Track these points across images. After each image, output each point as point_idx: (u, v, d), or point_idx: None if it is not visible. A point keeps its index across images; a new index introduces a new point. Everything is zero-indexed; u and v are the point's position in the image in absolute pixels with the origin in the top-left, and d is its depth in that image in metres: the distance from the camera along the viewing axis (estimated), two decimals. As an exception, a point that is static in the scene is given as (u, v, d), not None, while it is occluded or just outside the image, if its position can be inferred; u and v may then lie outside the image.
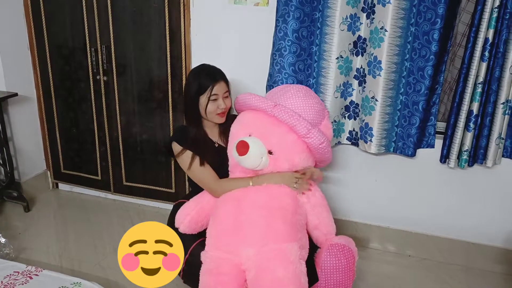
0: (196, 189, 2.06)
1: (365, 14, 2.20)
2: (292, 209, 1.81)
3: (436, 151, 2.38)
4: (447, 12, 2.07)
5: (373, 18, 2.17)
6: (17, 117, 2.96)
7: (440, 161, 2.37)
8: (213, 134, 2.08)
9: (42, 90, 3.02)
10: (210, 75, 1.97)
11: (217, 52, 2.55)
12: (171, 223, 2.11)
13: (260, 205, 1.79)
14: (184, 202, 2.17)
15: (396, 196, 2.57)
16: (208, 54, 2.56)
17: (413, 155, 2.35)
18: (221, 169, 2.00)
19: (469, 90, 2.16)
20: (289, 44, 2.24)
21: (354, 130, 2.44)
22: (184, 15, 2.55)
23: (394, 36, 2.14)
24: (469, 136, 2.23)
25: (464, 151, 2.27)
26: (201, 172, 1.97)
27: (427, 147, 2.39)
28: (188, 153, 1.96)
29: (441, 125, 2.44)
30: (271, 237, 1.70)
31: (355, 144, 2.46)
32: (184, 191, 2.91)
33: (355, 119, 2.43)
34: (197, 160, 1.96)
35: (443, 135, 2.36)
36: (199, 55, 2.60)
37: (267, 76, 2.39)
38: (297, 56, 2.27)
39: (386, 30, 2.13)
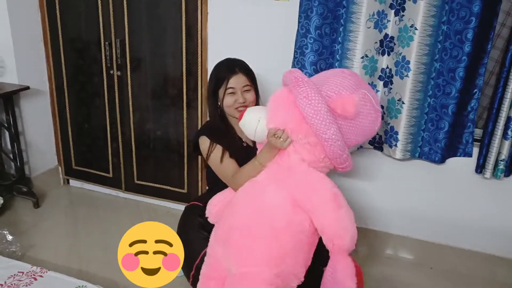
0: (214, 189, 1.96)
1: (393, 11, 2.07)
2: (283, 226, 1.59)
3: (470, 159, 2.25)
4: (485, 10, 1.93)
5: (403, 15, 2.03)
6: (29, 111, 2.91)
7: (476, 171, 2.24)
8: (241, 133, 1.94)
9: (55, 84, 2.96)
10: (229, 67, 1.88)
11: (235, 48, 2.41)
12: (181, 225, 2.06)
13: (250, 219, 1.64)
14: (197, 205, 2.12)
15: (421, 205, 2.44)
16: (225, 50, 2.42)
17: (440, 161, 2.21)
18: None
19: (508, 95, 2.02)
20: (311, 41, 2.13)
21: (377, 133, 2.31)
22: (201, 9, 2.46)
23: (424, 35, 2.01)
24: (507, 144, 2.10)
25: (501, 160, 2.13)
26: (226, 169, 1.87)
27: (464, 156, 2.25)
28: (219, 148, 1.87)
29: (478, 132, 2.29)
30: (245, 259, 1.60)
31: (379, 148, 2.34)
32: (196, 192, 2.83)
33: (379, 122, 2.29)
34: (226, 155, 1.86)
35: (479, 143, 2.23)
36: (215, 51, 2.51)
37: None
38: (318, 55, 2.16)
39: (416, 29, 1.99)
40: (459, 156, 2.25)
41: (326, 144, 1.53)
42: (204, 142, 1.91)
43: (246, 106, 1.87)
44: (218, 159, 1.87)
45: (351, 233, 1.56)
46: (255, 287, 1.56)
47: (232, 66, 1.88)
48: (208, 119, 2.09)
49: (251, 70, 1.93)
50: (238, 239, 1.64)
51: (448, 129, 2.13)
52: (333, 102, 1.53)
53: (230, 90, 1.86)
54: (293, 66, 2.23)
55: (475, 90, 2.13)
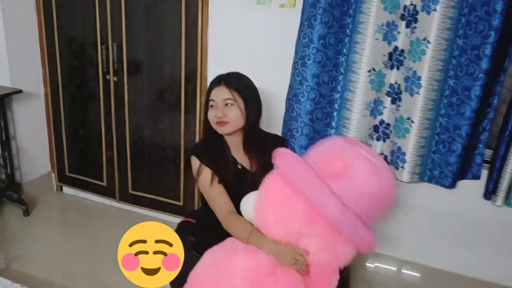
0: (207, 206, 1.82)
1: (404, 22, 1.91)
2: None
3: (478, 183, 2.09)
4: (504, 24, 1.77)
5: (415, 27, 1.88)
6: (21, 115, 2.84)
7: (484, 197, 2.07)
8: (239, 153, 1.83)
9: (50, 87, 2.87)
10: (217, 79, 1.76)
11: (235, 56, 2.34)
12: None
13: None
14: (190, 222, 1.99)
15: (426, 231, 2.31)
16: (226, 57, 2.36)
17: (451, 186, 2.05)
18: (237, 194, 1.73)
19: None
20: (313, 52, 1.99)
21: (382, 153, 2.15)
22: (201, 14, 2.34)
23: (438, 49, 1.86)
24: (522, 170, 1.93)
25: (515, 187, 1.97)
26: (215, 195, 1.74)
27: (472, 178, 2.09)
28: (208, 171, 1.74)
29: (486, 153, 2.13)
30: None
31: (384, 170, 2.18)
32: (192, 205, 2.71)
33: (384, 140, 2.14)
34: (215, 180, 1.73)
35: (488, 165, 2.07)
36: (216, 58, 2.40)
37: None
38: (321, 67, 2.01)
39: (429, 42, 1.84)
40: (467, 178, 2.10)
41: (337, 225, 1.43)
42: (194, 163, 1.79)
43: (225, 122, 1.73)
44: (206, 183, 1.75)
45: None
46: None
47: (219, 78, 1.76)
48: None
49: (241, 85, 1.76)
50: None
51: (461, 152, 1.98)
52: (318, 163, 1.49)
53: (210, 103, 1.74)
54: (293, 78, 2.09)
55: (489, 110, 1.98)
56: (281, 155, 1.57)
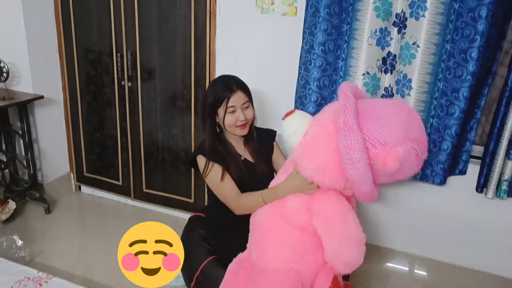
0: (214, 203, 1.97)
1: (396, 29, 2.04)
2: (300, 226, 1.64)
3: (470, 178, 2.20)
4: (492, 30, 1.89)
5: (404, 32, 2.02)
6: (42, 119, 2.98)
7: (476, 190, 2.18)
8: (239, 147, 1.98)
9: (69, 94, 3.04)
10: (226, 86, 1.86)
11: (242, 62, 2.47)
12: (184, 237, 2.08)
13: (270, 218, 1.70)
14: (200, 216, 2.16)
15: (422, 226, 2.42)
16: (233, 63, 2.49)
17: (442, 183, 2.17)
18: (247, 185, 1.88)
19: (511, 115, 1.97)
20: (314, 57, 2.13)
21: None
22: (209, 23, 2.48)
23: (428, 53, 1.99)
24: (510, 164, 2.04)
25: (504, 180, 2.08)
26: (226, 189, 1.87)
27: (458, 174, 2.21)
28: (217, 168, 1.87)
29: (477, 149, 2.25)
30: (263, 254, 1.68)
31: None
32: (202, 202, 2.85)
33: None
34: (226, 175, 1.87)
35: (479, 160, 2.18)
36: (223, 64, 2.53)
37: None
38: (322, 71, 2.15)
39: (418, 46, 1.97)
40: (455, 174, 2.21)
41: (357, 189, 1.51)
42: (201, 161, 1.92)
43: (246, 123, 1.89)
44: (216, 179, 1.88)
45: (348, 259, 1.55)
46: (271, 283, 1.57)
47: (229, 84, 1.87)
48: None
49: (247, 87, 1.92)
50: (258, 236, 1.69)
51: (451, 151, 2.09)
52: (376, 155, 1.43)
53: (231, 109, 1.84)
54: (298, 81, 2.24)
55: (476, 110, 2.09)
56: (343, 95, 1.53)
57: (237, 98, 1.85)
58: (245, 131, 1.91)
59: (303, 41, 2.17)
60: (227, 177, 1.88)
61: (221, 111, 1.86)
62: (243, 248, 1.81)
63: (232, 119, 1.85)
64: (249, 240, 1.80)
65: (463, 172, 2.19)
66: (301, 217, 1.64)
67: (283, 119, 1.68)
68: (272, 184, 1.81)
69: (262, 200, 1.75)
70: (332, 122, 1.53)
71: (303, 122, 1.64)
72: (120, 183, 3.08)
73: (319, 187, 1.63)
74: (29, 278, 2.08)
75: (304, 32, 2.16)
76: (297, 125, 1.64)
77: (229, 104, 1.83)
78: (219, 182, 1.87)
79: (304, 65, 2.19)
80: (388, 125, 1.44)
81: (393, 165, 1.42)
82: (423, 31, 1.95)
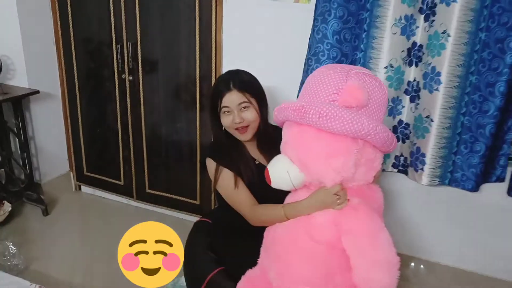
0: (223, 207, 1.80)
1: (423, 16, 1.83)
2: (328, 243, 1.45)
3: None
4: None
5: (433, 20, 1.80)
6: (39, 115, 2.88)
7: (508, 193, 1.98)
8: (254, 149, 1.79)
9: (66, 87, 2.89)
10: (225, 82, 1.68)
11: (251, 53, 2.29)
12: (189, 244, 1.91)
13: (294, 233, 1.50)
14: (205, 222, 1.99)
15: (448, 232, 2.24)
16: (240, 54, 2.32)
17: (474, 189, 1.97)
18: (261, 191, 1.69)
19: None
20: (328, 47, 1.92)
21: (402, 155, 2.08)
22: (216, 11, 2.30)
23: (459, 43, 1.77)
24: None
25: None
26: (241, 197, 1.70)
27: (496, 181, 1.99)
28: (228, 173, 1.70)
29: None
30: (285, 273, 1.49)
31: (403, 172, 2.11)
32: (209, 204, 2.69)
33: (404, 142, 2.07)
34: (239, 182, 1.69)
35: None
36: (230, 55, 2.36)
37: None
38: (337, 63, 1.94)
39: (449, 35, 1.76)
40: (491, 181, 2.00)
41: (372, 138, 1.36)
42: (210, 165, 1.75)
43: (246, 126, 1.69)
44: (228, 186, 1.70)
45: (379, 285, 1.36)
46: None
47: (227, 82, 1.68)
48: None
49: (251, 84, 1.71)
50: (280, 251, 1.51)
51: (484, 153, 1.89)
52: (342, 100, 1.36)
53: (224, 109, 1.67)
54: (306, 75, 2.02)
55: (514, 107, 1.88)
56: (281, 109, 1.49)
57: (231, 98, 1.66)
58: (245, 136, 1.72)
59: (313, 29, 1.96)
60: (241, 184, 1.70)
61: (219, 110, 1.70)
62: (252, 258, 1.63)
63: (227, 120, 1.68)
64: (263, 255, 1.61)
65: (501, 179, 1.98)
66: (328, 232, 1.44)
67: (270, 183, 1.50)
68: (289, 199, 1.61)
69: (284, 215, 1.55)
70: (301, 128, 1.43)
71: (283, 159, 1.48)
72: (121, 182, 2.93)
73: (348, 200, 1.44)
74: (21, 290, 1.94)
75: (315, 19, 1.95)
76: (280, 164, 1.48)
77: (222, 104, 1.67)
78: (233, 189, 1.69)
79: (315, 56, 1.97)
80: (325, 81, 1.42)
81: (361, 95, 1.36)
82: (454, 18, 1.74)
